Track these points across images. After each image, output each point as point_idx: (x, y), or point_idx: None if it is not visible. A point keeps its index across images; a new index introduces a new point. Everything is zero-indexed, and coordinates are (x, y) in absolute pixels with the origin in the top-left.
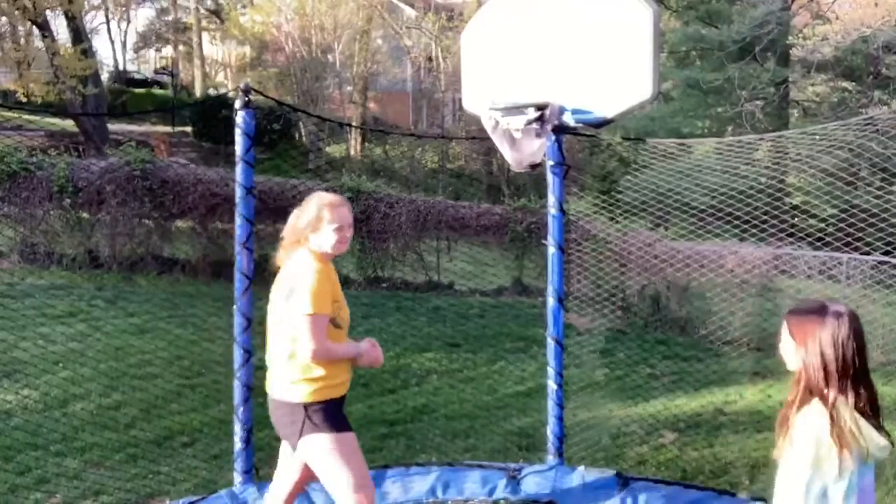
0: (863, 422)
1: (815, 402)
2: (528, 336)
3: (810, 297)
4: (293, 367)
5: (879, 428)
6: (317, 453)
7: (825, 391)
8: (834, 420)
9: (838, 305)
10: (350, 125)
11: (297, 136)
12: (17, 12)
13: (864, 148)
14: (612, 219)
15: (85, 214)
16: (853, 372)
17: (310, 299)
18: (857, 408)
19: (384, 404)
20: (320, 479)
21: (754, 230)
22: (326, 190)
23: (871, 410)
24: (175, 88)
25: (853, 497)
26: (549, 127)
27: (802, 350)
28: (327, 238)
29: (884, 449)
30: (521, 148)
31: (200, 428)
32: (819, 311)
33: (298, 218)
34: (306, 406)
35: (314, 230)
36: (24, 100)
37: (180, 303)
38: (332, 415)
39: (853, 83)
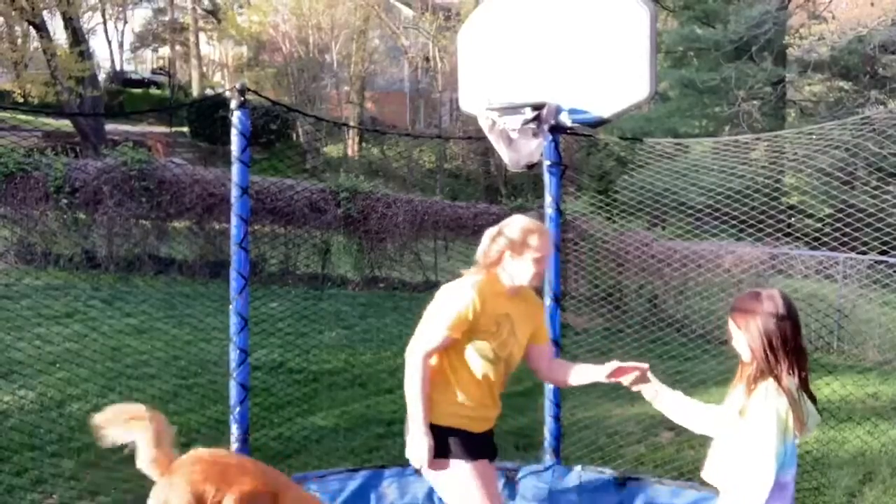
0: (804, 396)
1: (770, 381)
2: None
3: (747, 290)
4: (435, 385)
5: (814, 401)
6: (440, 478)
7: (775, 370)
8: (791, 396)
9: (771, 290)
10: (347, 125)
11: (294, 136)
12: (13, 13)
13: (861, 147)
14: (609, 218)
15: (82, 215)
16: (794, 347)
17: (443, 313)
18: (799, 382)
19: (381, 404)
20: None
21: (751, 230)
22: (326, 189)
23: (806, 385)
24: (172, 88)
25: (794, 465)
26: (545, 127)
27: (748, 336)
28: (526, 267)
29: (817, 423)
30: (518, 148)
31: (198, 428)
32: (755, 298)
33: (495, 240)
34: (440, 428)
35: (515, 255)
36: (21, 100)
37: (177, 303)
38: (463, 445)
39: (850, 83)
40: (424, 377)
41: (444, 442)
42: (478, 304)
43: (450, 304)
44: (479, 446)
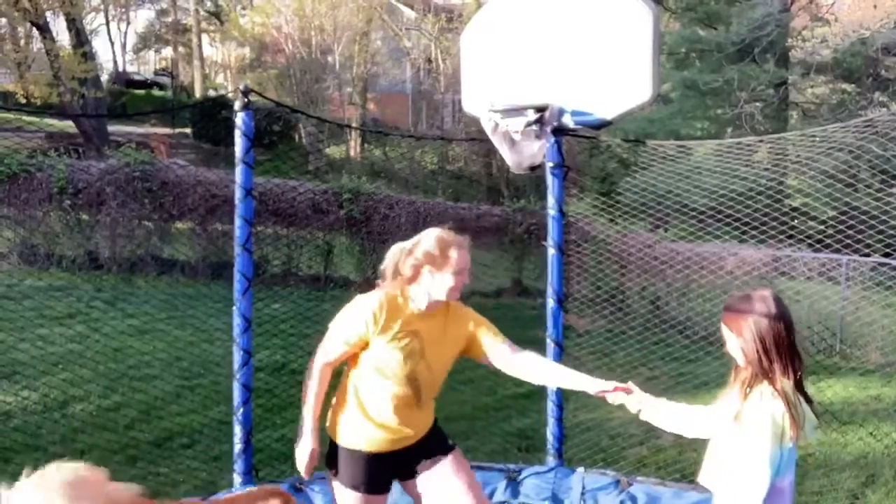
0: (801, 399)
1: (765, 384)
2: (528, 337)
3: (736, 293)
4: (339, 404)
5: (810, 403)
6: (336, 495)
7: (769, 372)
8: (787, 399)
9: (762, 291)
10: (350, 126)
11: (296, 137)
12: (17, 14)
13: (864, 150)
14: (611, 220)
15: (84, 216)
16: (788, 347)
17: (343, 326)
18: (794, 384)
19: None
20: None
21: (754, 232)
22: (328, 190)
23: (800, 386)
24: (175, 90)
25: (791, 471)
26: (548, 128)
27: (741, 339)
28: (445, 282)
29: (814, 427)
30: (521, 150)
31: (200, 429)
32: (746, 300)
33: (410, 254)
34: (337, 445)
35: (434, 269)
36: (24, 101)
37: (180, 304)
38: (361, 470)
39: (852, 85)
40: (320, 383)
41: (344, 463)
42: (377, 319)
43: (350, 317)
44: (382, 469)
